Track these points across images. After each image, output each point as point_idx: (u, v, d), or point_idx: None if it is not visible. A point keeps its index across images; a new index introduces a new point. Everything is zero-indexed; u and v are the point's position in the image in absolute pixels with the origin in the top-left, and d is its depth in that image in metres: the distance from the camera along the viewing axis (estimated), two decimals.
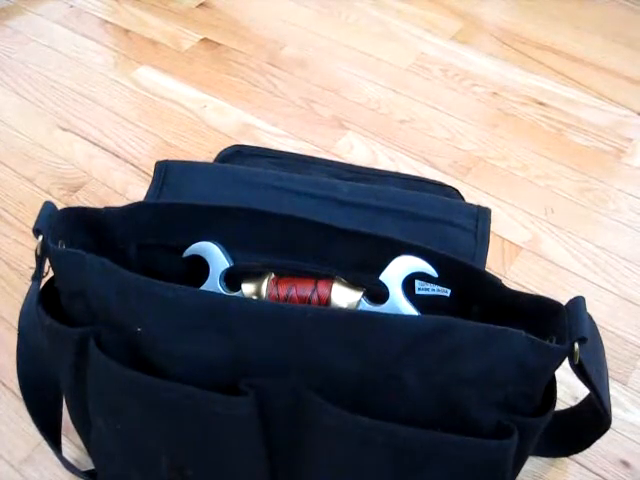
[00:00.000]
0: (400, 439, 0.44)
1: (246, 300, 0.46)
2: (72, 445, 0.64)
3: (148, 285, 0.45)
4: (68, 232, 0.49)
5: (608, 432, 0.51)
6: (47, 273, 0.50)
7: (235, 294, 0.52)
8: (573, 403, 0.59)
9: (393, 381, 0.43)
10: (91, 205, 0.85)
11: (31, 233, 0.47)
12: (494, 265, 0.80)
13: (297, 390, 0.44)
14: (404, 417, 0.43)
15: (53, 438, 0.57)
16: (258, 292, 0.52)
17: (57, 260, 0.48)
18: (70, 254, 0.46)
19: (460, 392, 0.43)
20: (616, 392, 0.69)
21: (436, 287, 0.53)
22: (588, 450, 0.59)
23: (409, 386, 0.43)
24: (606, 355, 0.49)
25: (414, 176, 0.75)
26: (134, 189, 0.89)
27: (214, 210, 0.54)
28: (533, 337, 0.41)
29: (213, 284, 0.53)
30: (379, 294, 0.50)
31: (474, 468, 0.44)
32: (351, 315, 0.44)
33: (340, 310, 0.43)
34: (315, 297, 0.51)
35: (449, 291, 0.53)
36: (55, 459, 0.60)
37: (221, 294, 0.45)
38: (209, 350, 0.44)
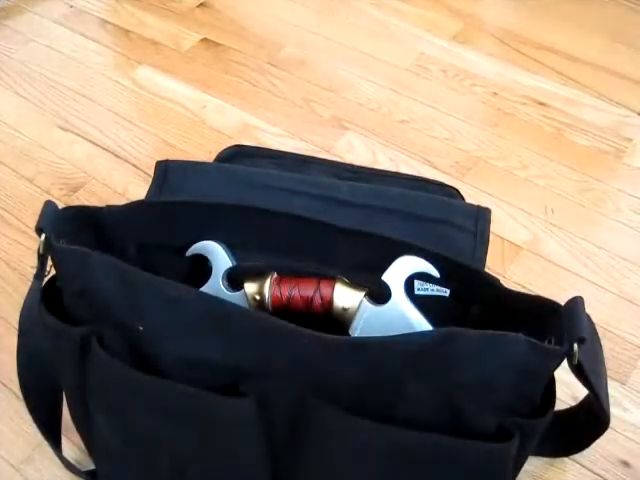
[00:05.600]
0: (401, 442, 0.44)
1: (247, 313, 0.46)
2: (72, 445, 0.64)
3: (153, 283, 0.45)
4: (69, 231, 0.49)
5: (608, 432, 0.51)
6: (49, 272, 0.50)
7: (237, 293, 0.52)
8: (573, 403, 0.59)
9: (394, 388, 0.43)
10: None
11: (31, 233, 0.47)
12: (494, 265, 0.80)
13: (297, 393, 0.44)
14: (405, 421, 0.43)
15: (53, 438, 0.57)
16: (260, 292, 0.52)
17: (61, 258, 0.48)
18: (75, 252, 0.46)
19: (461, 397, 0.43)
20: (616, 392, 0.69)
21: (435, 287, 0.54)
22: (588, 450, 0.59)
23: (410, 392, 0.43)
24: (606, 355, 0.49)
25: (414, 176, 0.75)
26: (134, 189, 0.89)
27: (216, 208, 0.55)
28: (532, 340, 0.41)
29: (216, 283, 0.53)
30: (381, 294, 0.50)
31: (475, 471, 0.44)
32: (351, 344, 0.43)
33: (339, 338, 0.43)
34: (317, 297, 0.51)
35: (448, 291, 0.54)
36: (55, 459, 0.60)
37: (224, 300, 0.45)
38: (210, 353, 0.44)
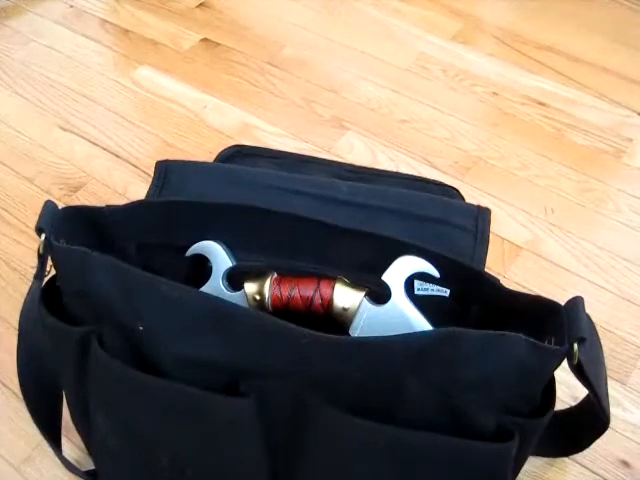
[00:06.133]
0: (401, 442, 0.44)
1: (247, 313, 0.46)
2: (72, 445, 0.64)
3: (153, 283, 0.45)
4: (69, 231, 0.49)
5: (608, 432, 0.51)
6: (49, 272, 0.50)
7: (237, 293, 0.52)
8: (573, 403, 0.59)
9: (394, 387, 0.43)
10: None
11: (31, 233, 0.47)
12: (494, 265, 0.80)
13: (298, 392, 0.44)
14: (405, 421, 0.43)
15: (53, 438, 0.57)
16: (261, 292, 0.52)
17: (60, 258, 0.48)
18: (74, 252, 0.46)
19: (461, 397, 0.43)
20: (616, 392, 0.69)
21: (435, 287, 0.54)
22: (588, 450, 0.59)
23: (410, 392, 0.43)
24: (606, 355, 0.49)
25: (414, 176, 0.75)
26: (134, 189, 0.89)
27: (216, 208, 0.55)
28: (532, 340, 0.41)
29: (216, 283, 0.53)
30: (381, 294, 0.50)
31: (475, 471, 0.44)
32: (351, 344, 0.43)
33: (339, 338, 0.43)
34: (317, 297, 0.51)
35: (448, 291, 0.54)
36: (55, 459, 0.60)
37: (224, 300, 0.45)
38: (210, 353, 0.44)
